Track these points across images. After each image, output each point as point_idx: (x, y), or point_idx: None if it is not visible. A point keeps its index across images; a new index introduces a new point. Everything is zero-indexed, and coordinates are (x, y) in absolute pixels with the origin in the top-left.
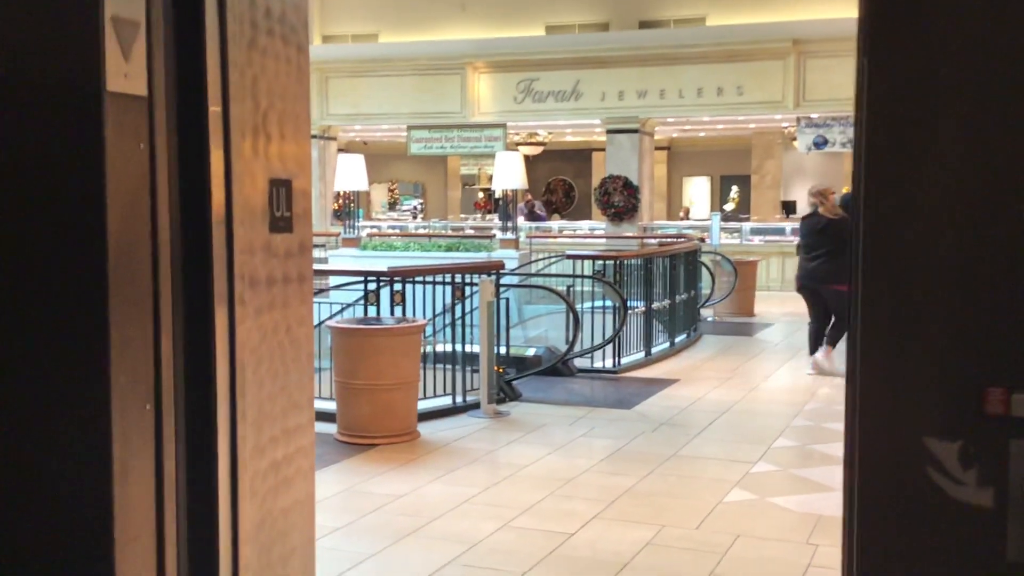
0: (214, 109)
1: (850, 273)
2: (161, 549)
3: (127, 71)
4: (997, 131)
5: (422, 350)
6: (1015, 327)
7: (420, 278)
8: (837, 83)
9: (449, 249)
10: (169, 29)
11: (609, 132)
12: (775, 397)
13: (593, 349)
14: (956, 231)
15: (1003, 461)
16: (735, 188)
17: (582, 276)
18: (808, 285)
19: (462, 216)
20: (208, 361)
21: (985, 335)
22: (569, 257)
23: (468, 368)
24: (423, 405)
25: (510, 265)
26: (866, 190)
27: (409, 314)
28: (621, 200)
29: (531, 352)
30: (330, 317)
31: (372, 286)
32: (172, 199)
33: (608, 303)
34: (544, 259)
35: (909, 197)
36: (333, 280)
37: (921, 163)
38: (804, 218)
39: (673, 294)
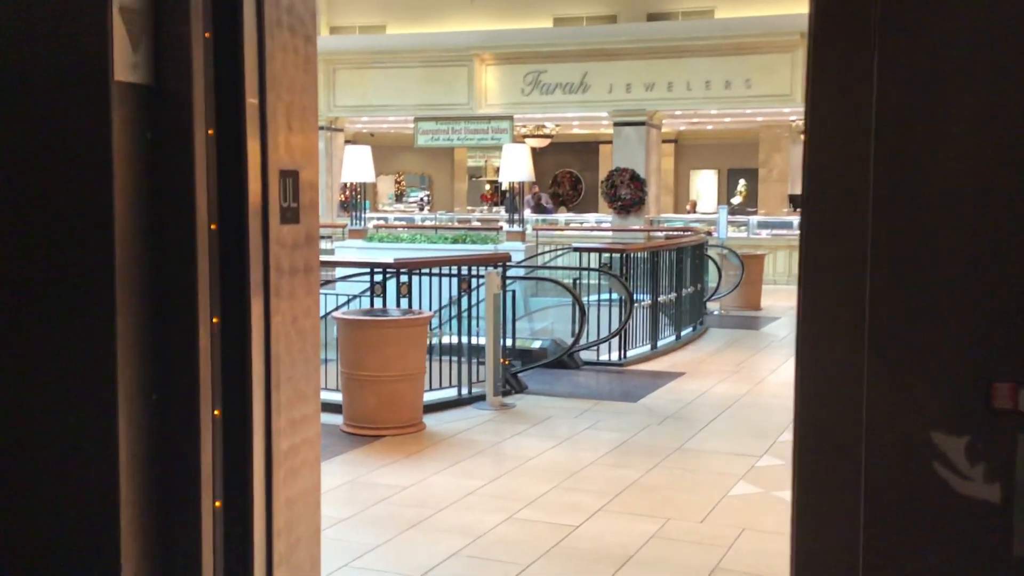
0: (251, 101)
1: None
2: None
3: (135, 61)
4: (1006, 126)
5: (428, 342)
6: (1023, 322)
7: (426, 270)
8: None
9: (455, 241)
10: (208, 20)
11: (616, 125)
12: (781, 391)
13: (599, 342)
14: (965, 226)
15: (1011, 456)
16: (742, 181)
17: (588, 269)
18: None
19: (469, 208)
20: (244, 353)
21: (993, 330)
22: (575, 250)
23: (474, 360)
24: (429, 397)
25: (516, 257)
26: (875, 186)
27: (415, 306)
28: (628, 193)
29: (537, 344)
30: (336, 308)
31: (378, 278)
32: (210, 190)
33: (614, 296)
34: (550, 252)
35: (917, 192)
36: (339, 271)
37: (929, 158)
38: None
39: (679, 287)
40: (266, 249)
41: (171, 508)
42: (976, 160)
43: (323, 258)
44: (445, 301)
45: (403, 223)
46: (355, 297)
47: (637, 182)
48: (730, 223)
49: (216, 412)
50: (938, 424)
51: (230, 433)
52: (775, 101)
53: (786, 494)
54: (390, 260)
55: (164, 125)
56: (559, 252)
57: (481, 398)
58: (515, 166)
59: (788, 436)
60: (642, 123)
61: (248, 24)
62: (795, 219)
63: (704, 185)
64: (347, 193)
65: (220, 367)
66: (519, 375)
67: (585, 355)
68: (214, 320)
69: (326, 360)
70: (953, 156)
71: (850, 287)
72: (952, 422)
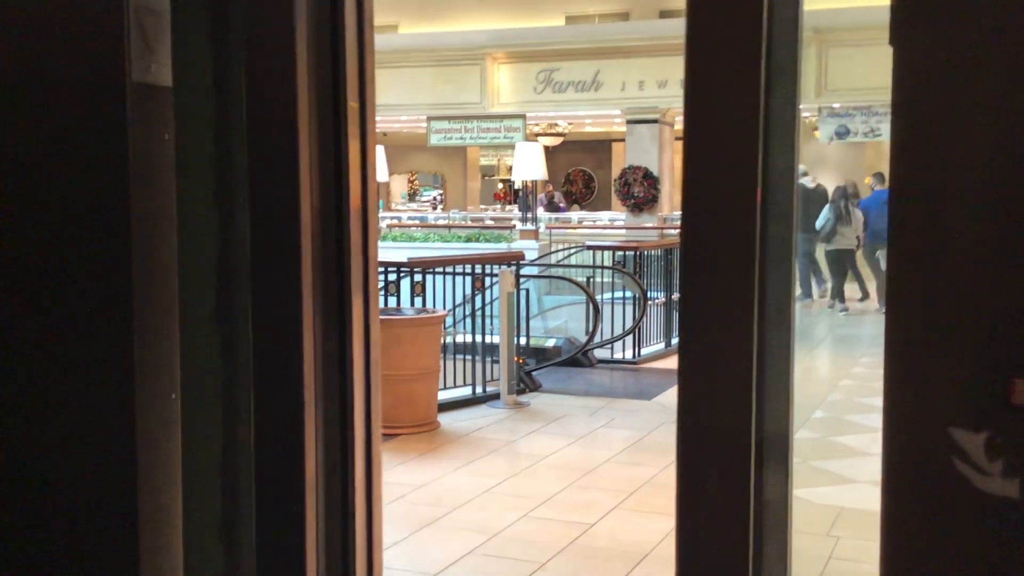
0: (352, 104)
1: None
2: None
3: (152, 62)
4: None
5: (442, 341)
6: None
7: (440, 269)
8: (859, 72)
9: (469, 240)
10: (312, 23)
11: (629, 122)
12: (796, 388)
13: (613, 340)
14: (985, 220)
15: None
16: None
17: (602, 267)
18: None
19: (482, 207)
20: (344, 352)
21: (1013, 325)
22: (589, 248)
23: (488, 359)
24: (443, 395)
25: (530, 256)
26: (895, 181)
27: (429, 305)
28: (641, 191)
29: (551, 343)
30: None
31: (392, 277)
32: (313, 191)
33: (628, 294)
34: (564, 250)
35: (937, 185)
36: None
37: (950, 151)
38: None
39: None
40: (365, 249)
41: (276, 507)
42: (995, 153)
43: None
44: (459, 300)
45: (416, 222)
46: None
47: (650, 180)
48: None
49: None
50: (957, 420)
51: (330, 436)
52: None
53: (801, 492)
54: (404, 259)
55: (262, 128)
56: (572, 250)
57: (495, 397)
58: (528, 164)
59: (803, 434)
60: (655, 121)
61: (350, 24)
62: None
63: None
64: None
65: (323, 368)
66: (533, 373)
67: (599, 353)
68: (316, 320)
69: None
70: (972, 149)
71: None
72: (971, 418)
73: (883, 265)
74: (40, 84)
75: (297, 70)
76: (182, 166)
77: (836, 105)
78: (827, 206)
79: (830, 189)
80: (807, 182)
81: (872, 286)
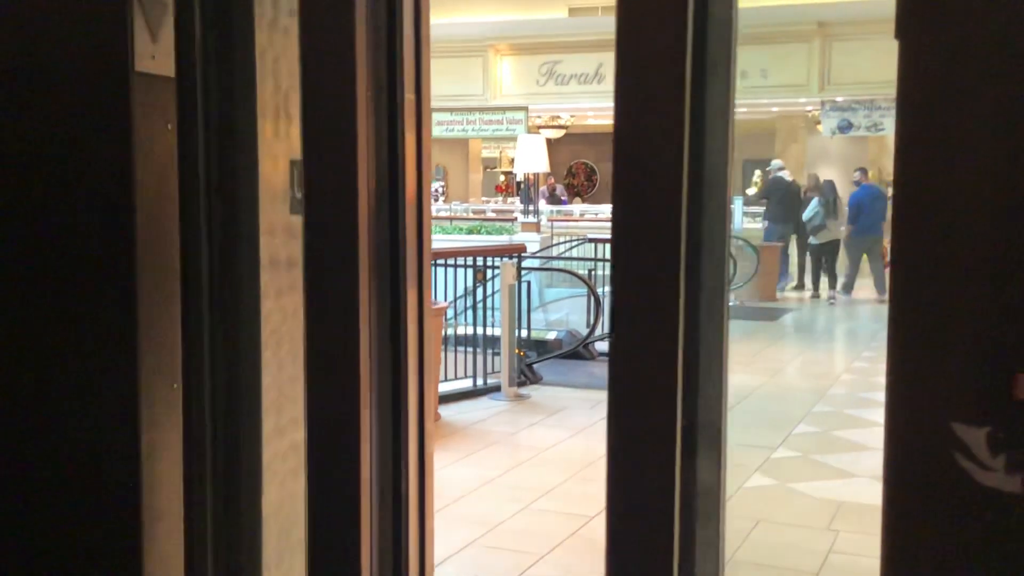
0: (409, 96)
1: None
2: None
3: (155, 52)
4: None
5: (443, 333)
6: None
7: (441, 261)
8: (863, 66)
9: (470, 232)
10: (369, 13)
11: None
12: (797, 383)
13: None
14: (989, 216)
15: None
16: (758, 172)
17: (604, 260)
18: None
19: (483, 199)
20: (397, 347)
21: (1016, 321)
22: (591, 240)
23: (489, 351)
24: (444, 388)
25: (531, 248)
26: (899, 175)
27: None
28: None
29: (552, 335)
30: None
31: None
32: (370, 183)
33: None
34: (565, 242)
35: (941, 182)
36: None
37: (955, 145)
38: None
39: None
40: (420, 242)
41: (331, 502)
42: (1000, 149)
43: None
44: (460, 292)
45: None
46: None
47: None
48: (746, 214)
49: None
50: (960, 415)
51: (384, 432)
52: (791, 91)
53: (801, 486)
54: None
55: (319, 118)
56: (574, 243)
57: (496, 389)
58: (530, 157)
59: (804, 428)
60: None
61: (407, 26)
62: None
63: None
64: None
65: (377, 362)
66: (534, 366)
67: (600, 346)
68: (372, 313)
69: None
70: (976, 145)
71: None
72: (974, 413)
73: (872, 257)
74: (44, 75)
75: (356, 61)
76: (182, 157)
77: (839, 99)
78: (815, 199)
79: (838, 184)
80: (784, 176)
81: (868, 281)
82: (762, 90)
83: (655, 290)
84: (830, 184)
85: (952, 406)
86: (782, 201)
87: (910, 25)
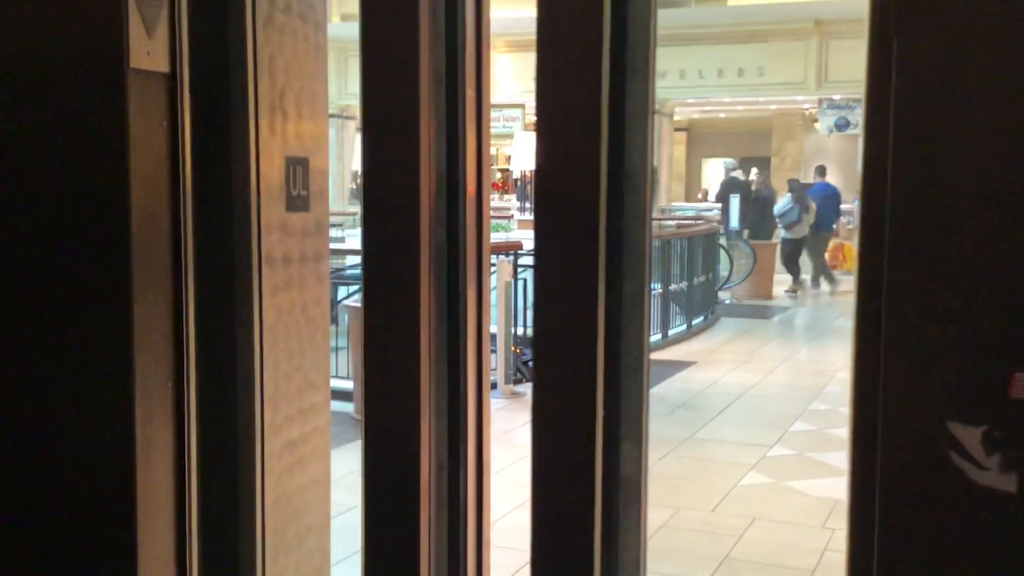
0: (470, 93)
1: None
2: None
3: (150, 48)
4: None
5: None
6: None
7: None
8: (860, 64)
9: None
10: (432, 7)
11: None
12: (793, 381)
13: None
14: (984, 213)
15: None
16: (755, 170)
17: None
18: None
19: None
20: (456, 346)
21: (1012, 319)
22: None
23: None
24: None
25: (528, 246)
26: (892, 173)
27: None
28: None
29: None
30: (348, 296)
31: None
32: (432, 180)
33: None
34: None
35: (936, 179)
36: (351, 260)
37: (949, 146)
38: None
39: (691, 276)
40: (479, 240)
41: (388, 504)
42: (995, 147)
43: (333, 246)
44: None
45: None
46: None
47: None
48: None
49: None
50: (955, 414)
51: (440, 432)
52: (788, 89)
53: (797, 484)
54: None
55: (382, 115)
56: None
57: (493, 386)
58: (527, 154)
59: (799, 426)
60: (654, 111)
61: (469, 21)
62: None
63: (716, 174)
64: (359, 181)
65: (435, 362)
66: (530, 363)
67: None
68: (432, 313)
69: (338, 348)
70: (972, 144)
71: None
72: (970, 412)
73: (818, 253)
74: (38, 71)
75: (420, 56)
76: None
77: (836, 97)
78: (788, 196)
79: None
80: (738, 175)
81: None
82: (759, 88)
83: (576, 289)
84: (796, 182)
85: (948, 405)
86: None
87: (905, 24)
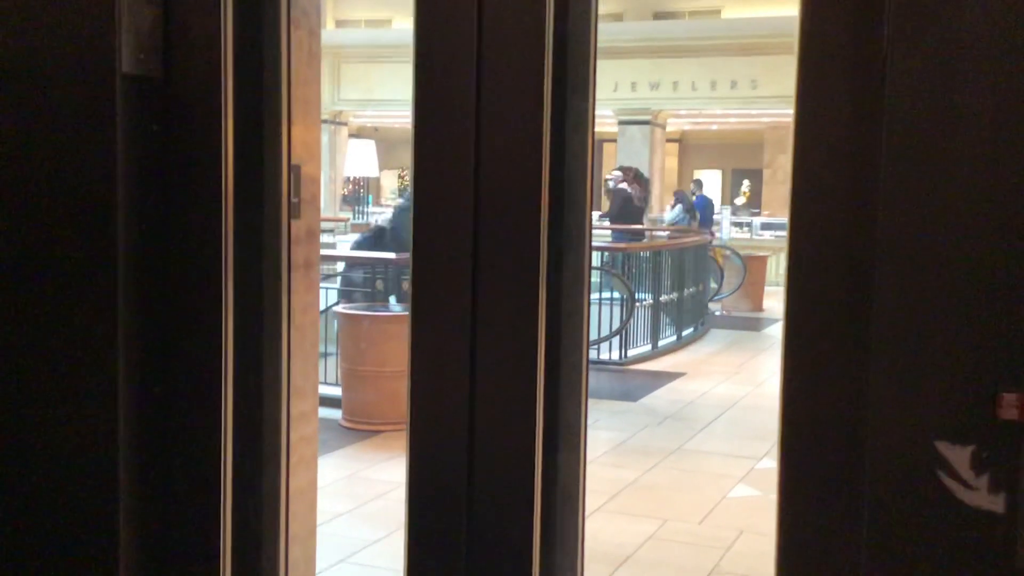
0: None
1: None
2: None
3: (141, 53)
4: (1017, 136)
5: None
6: None
7: None
8: None
9: None
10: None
11: (621, 123)
12: None
13: (600, 340)
14: (973, 234)
15: (1016, 466)
16: (747, 182)
17: (590, 267)
18: None
19: None
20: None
21: (1001, 339)
22: None
23: None
24: None
25: None
26: (884, 193)
27: None
28: (634, 192)
29: None
30: (337, 303)
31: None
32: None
33: (616, 295)
34: None
35: (926, 200)
36: (341, 266)
37: (939, 166)
38: None
39: (681, 287)
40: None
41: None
42: (984, 166)
43: (324, 252)
44: None
45: None
46: (357, 291)
47: (641, 181)
48: (733, 224)
49: None
50: (943, 433)
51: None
52: (781, 102)
53: None
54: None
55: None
56: None
57: None
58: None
59: None
60: (647, 122)
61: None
62: None
63: (708, 185)
64: (351, 187)
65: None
66: None
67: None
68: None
69: (327, 354)
70: (962, 161)
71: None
72: (958, 431)
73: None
74: (30, 75)
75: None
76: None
77: None
78: (678, 207)
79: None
80: (624, 187)
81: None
82: (752, 100)
83: (517, 301)
84: (683, 193)
85: (937, 424)
86: (622, 209)
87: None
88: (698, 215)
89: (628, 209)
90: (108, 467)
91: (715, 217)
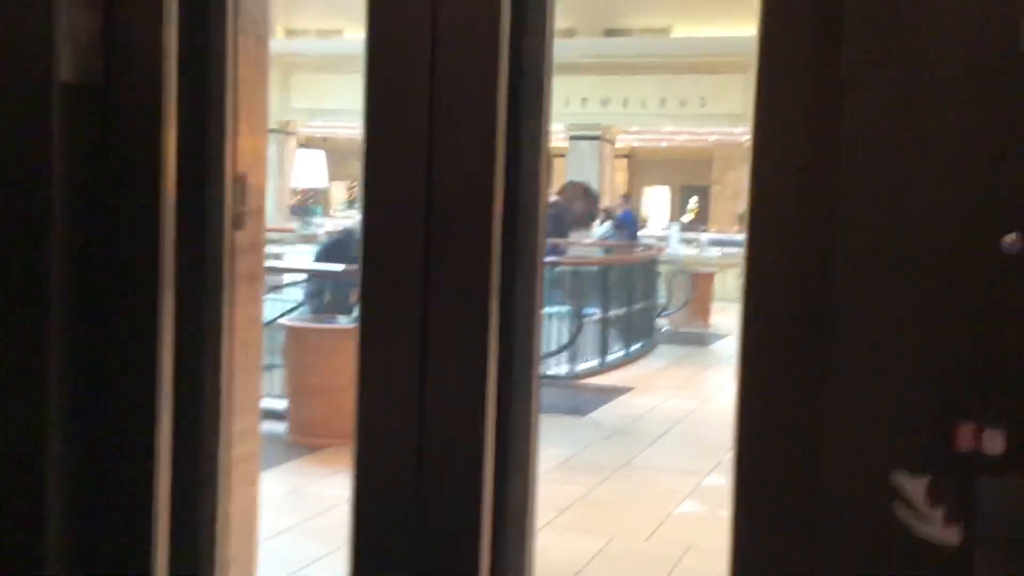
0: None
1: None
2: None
3: (80, 62)
4: (976, 162)
5: None
6: (988, 362)
7: None
8: None
9: None
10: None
11: (571, 138)
12: (729, 408)
13: (547, 356)
14: (930, 263)
15: (972, 499)
16: (695, 198)
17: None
18: None
19: None
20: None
21: (957, 370)
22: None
23: None
24: None
25: None
26: (841, 217)
27: None
28: (581, 207)
29: None
30: (283, 315)
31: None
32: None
33: (563, 309)
34: None
35: (882, 228)
36: (288, 277)
37: (896, 192)
38: None
39: (629, 303)
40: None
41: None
42: (944, 190)
43: (270, 263)
44: None
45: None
46: (302, 304)
47: (591, 196)
48: (681, 240)
49: None
50: (898, 465)
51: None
52: (728, 120)
53: None
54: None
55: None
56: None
57: None
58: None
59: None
60: (597, 137)
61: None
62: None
63: (657, 201)
64: (299, 198)
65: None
66: None
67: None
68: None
69: (272, 366)
70: (921, 186)
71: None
72: (913, 463)
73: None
74: None
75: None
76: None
77: None
78: (608, 222)
79: None
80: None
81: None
82: (700, 118)
83: (468, 315)
84: (608, 209)
85: (892, 455)
86: (552, 220)
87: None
88: (626, 230)
89: (557, 221)
90: (34, 483)
91: (664, 232)
